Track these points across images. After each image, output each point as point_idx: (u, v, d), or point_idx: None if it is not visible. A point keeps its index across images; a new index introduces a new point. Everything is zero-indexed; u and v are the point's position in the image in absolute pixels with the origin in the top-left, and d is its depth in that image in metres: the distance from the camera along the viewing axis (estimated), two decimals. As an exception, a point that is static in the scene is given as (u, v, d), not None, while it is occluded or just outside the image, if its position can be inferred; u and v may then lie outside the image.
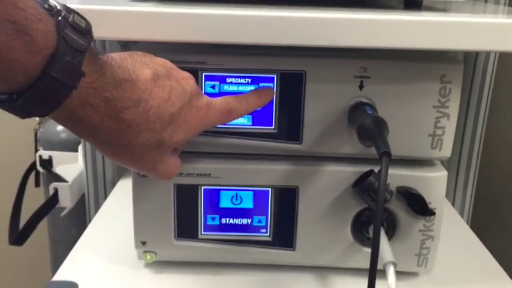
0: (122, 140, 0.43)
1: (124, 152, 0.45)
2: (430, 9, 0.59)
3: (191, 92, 0.47)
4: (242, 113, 0.53)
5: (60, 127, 0.97)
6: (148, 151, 0.45)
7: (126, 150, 0.44)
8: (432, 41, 0.49)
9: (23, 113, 0.38)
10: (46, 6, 0.37)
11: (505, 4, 0.79)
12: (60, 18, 0.37)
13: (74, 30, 0.37)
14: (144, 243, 0.62)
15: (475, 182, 0.89)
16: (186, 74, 0.49)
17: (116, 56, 0.43)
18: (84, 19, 0.39)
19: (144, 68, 0.44)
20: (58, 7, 0.37)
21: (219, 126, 0.57)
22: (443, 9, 0.57)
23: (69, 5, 0.39)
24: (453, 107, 0.56)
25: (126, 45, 0.71)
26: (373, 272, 0.47)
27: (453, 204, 0.90)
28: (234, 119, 0.53)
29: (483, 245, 0.73)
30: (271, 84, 0.56)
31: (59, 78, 0.36)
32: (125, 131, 0.43)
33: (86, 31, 0.39)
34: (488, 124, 0.87)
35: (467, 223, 0.86)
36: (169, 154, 0.48)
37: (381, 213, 0.47)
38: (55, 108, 0.38)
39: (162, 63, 0.47)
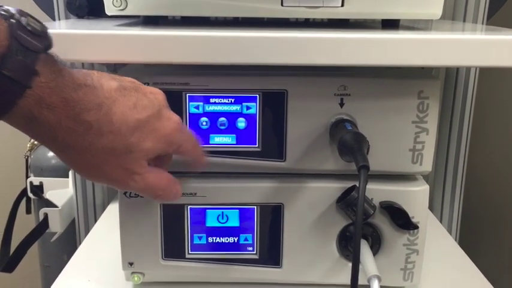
0: (82, 142, 0.42)
1: (86, 156, 0.43)
2: (408, 28, 0.60)
3: (159, 105, 0.47)
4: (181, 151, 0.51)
5: (51, 153, 0.98)
6: (114, 156, 0.44)
7: (88, 154, 0.43)
8: (410, 57, 0.50)
9: None
10: (1, 12, 0.38)
11: (482, 23, 0.81)
12: (12, 20, 0.38)
13: (27, 31, 0.39)
14: (131, 264, 0.62)
15: (461, 197, 0.90)
16: (156, 90, 0.48)
17: (82, 69, 0.43)
18: (40, 22, 0.40)
19: (111, 80, 0.45)
20: (11, 11, 0.39)
21: (203, 145, 0.58)
22: (422, 29, 0.59)
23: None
24: (432, 122, 0.58)
25: (116, 70, 0.72)
26: (355, 283, 0.47)
27: (441, 221, 0.90)
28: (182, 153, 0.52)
29: (471, 261, 0.73)
30: (254, 104, 0.58)
31: (11, 76, 0.37)
32: (84, 132, 0.42)
33: (40, 33, 0.40)
34: (472, 139, 0.88)
35: (455, 239, 0.86)
36: (145, 165, 0.47)
37: (360, 224, 0.47)
38: (10, 108, 0.38)
39: (130, 80, 0.47)
